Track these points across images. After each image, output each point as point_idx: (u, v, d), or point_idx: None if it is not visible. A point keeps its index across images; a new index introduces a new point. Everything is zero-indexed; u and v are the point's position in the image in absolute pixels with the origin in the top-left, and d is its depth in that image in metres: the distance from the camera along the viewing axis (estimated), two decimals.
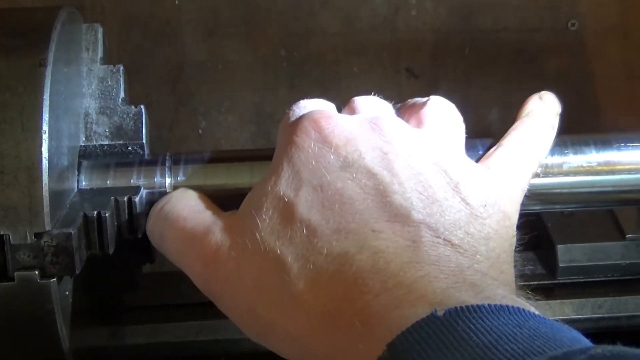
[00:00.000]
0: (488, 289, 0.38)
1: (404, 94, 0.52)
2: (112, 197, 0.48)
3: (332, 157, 0.43)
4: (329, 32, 0.77)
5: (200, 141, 0.78)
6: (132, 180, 0.50)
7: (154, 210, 0.48)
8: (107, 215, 0.46)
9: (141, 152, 0.52)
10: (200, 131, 0.78)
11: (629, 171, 0.52)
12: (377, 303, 0.37)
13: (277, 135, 0.48)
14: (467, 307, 0.34)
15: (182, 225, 0.46)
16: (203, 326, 0.62)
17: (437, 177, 0.43)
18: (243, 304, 0.43)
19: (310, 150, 0.43)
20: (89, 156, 0.52)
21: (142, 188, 0.50)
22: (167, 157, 0.51)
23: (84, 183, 0.50)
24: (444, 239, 0.41)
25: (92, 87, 0.53)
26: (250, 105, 0.78)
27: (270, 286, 0.41)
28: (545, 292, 0.60)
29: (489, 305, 0.34)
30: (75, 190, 0.50)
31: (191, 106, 0.78)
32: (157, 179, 0.50)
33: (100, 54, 0.54)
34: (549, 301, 0.63)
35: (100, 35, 0.54)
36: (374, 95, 0.50)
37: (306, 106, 0.48)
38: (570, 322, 0.36)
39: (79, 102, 0.52)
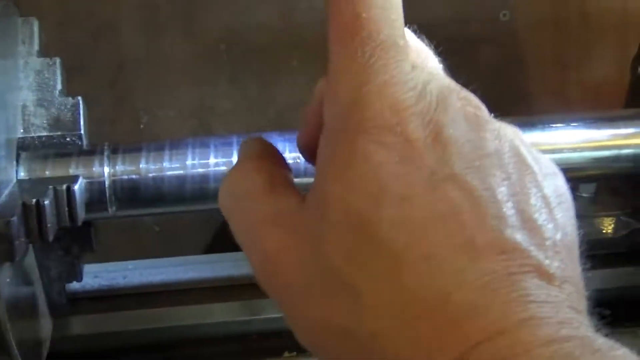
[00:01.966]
0: (588, 337, 0.30)
1: None
2: (51, 186, 0.49)
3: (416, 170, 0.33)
4: (268, 26, 0.78)
5: (142, 137, 0.78)
6: (70, 170, 0.51)
7: (224, 183, 0.39)
8: (46, 203, 0.47)
9: (79, 143, 0.53)
10: (141, 127, 0.79)
11: (552, 151, 0.55)
12: (477, 352, 0.30)
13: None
14: None
15: (246, 206, 0.38)
16: (151, 314, 0.63)
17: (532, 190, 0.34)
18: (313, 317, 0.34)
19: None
20: (27, 148, 0.52)
21: (81, 177, 0.50)
22: (105, 147, 0.52)
23: (22, 174, 0.51)
24: (542, 269, 0.32)
25: (29, 79, 0.54)
26: (190, 99, 0.79)
27: (340, 312, 0.33)
28: None
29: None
30: (14, 181, 0.50)
31: (132, 102, 0.78)
32: (96, 168, 0.51)
33: (36, 47, 0.55)
34: None
35: (36, 29, 0.55)
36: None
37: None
38: None
39: (16, 95, 0.53)
